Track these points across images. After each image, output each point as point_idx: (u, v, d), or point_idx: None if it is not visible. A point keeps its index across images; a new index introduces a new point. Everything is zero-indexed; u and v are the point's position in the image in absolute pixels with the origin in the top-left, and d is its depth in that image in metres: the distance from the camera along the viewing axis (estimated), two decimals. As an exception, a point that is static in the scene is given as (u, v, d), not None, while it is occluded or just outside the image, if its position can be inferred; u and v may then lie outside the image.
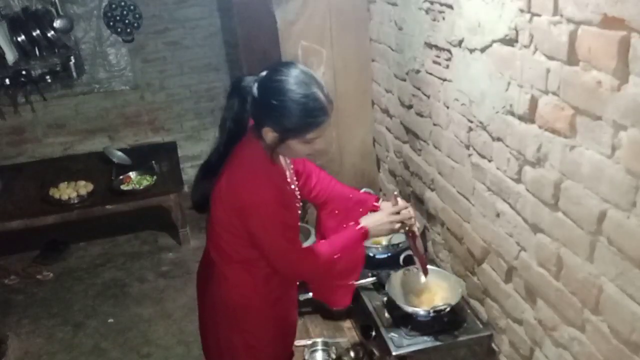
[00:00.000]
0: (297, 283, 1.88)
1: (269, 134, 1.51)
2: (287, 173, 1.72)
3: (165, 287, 3.48)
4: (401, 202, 1.78)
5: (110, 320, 3.22)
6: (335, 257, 1.67)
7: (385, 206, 1.79)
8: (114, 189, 3.79)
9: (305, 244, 2.36)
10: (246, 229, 1.58)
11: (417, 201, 2.50)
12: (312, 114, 1.47)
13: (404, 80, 2.42)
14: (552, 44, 1.35)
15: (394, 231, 1.78)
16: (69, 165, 4.22)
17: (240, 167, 1.57)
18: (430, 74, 2.15)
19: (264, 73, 1.53)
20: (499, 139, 1.70)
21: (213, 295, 1.76)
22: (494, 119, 1.71)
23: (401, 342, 1.90)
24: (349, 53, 2.77)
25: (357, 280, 1.78)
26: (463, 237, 2.07)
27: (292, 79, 1.47)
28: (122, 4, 4.20)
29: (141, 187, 3.82)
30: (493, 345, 1.96)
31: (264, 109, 1.50)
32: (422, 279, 2.10)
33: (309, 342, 2.15)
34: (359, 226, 1.72)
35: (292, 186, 1.73)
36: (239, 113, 1.57)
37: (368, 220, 1.74)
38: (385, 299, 2.11)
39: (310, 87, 1.47)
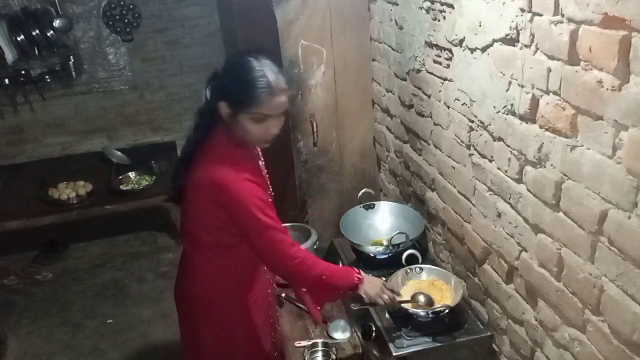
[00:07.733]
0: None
1: (224, 109, 1.62)
2: (260, 162, 1.80)
3: (165, 288, 3.47)
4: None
5: (110, 320, 3.22)
6: (324, 273, 1.74)
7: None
8: (113, 189, 3.79)
9: (304, 246, 2.37)
10: (228, 213, 1.63)
11: (418, 201, 2.49)
12: (257, 87, 1.56)
13: (405, 79, 2.42)
14: (553, 43, 1.35)
15: (377, 301, 1.83)
16: (68, 165, 4.22)
17: (214, 151, 1.65)
18: (431, 73, 2.14)
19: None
20: (499, 139, 1.69)
21: (183, 286, 1.85)
22: (494, 118, 1.71)
23: (401, 342, 1.89)
24: (349, 52, 2.76)
25: (320, 306, 1.82)
26: (464, 238, 2.07)
27: (249, 59, 1.59)
28: (122, 3, 4.20)
29: (140, 187, 3.82)
30: (494, 346, 1.95)
31: (222, 82, 1.64)
32: (424, 277, 2.10)
33: (309, 342, 2.14)
34: (358, 272, 1.82)
35: (264, 173, 1.81)
36: (209, 101, 1.68)
37: (367, 276, 1.85)
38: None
39: (262, 66, 1.57)
